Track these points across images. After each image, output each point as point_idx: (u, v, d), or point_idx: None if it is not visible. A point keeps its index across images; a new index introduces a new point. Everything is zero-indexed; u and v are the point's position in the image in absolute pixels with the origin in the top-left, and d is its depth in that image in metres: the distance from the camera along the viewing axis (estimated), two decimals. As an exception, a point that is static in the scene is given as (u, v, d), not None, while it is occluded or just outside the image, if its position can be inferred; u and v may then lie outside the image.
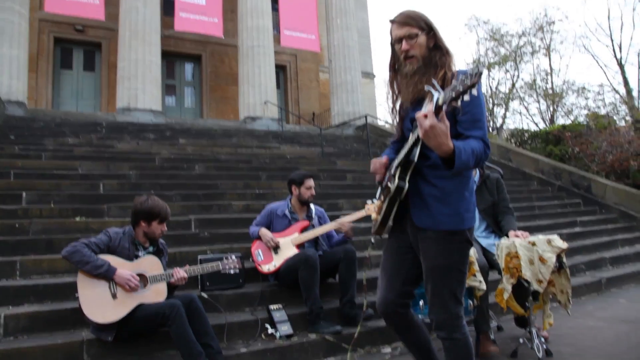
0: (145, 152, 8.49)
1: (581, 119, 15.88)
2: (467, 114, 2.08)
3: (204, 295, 3.82)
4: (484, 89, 19.02)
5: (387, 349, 3.78)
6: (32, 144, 8.15)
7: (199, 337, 3.04)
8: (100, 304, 3.00)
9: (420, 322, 2.44)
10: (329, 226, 4.26)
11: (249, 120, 14.42)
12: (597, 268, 6.50)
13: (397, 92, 2.34)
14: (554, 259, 3.35)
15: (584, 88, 17.32)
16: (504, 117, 18.14)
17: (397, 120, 2.39)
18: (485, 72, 18.37)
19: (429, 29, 2.21)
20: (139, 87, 12.68)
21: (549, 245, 3.41)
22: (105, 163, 7.08)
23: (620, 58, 17.65)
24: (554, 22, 17.38)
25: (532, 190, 10.09)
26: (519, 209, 8.50)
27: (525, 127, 17.52)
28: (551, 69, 18.25)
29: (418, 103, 2.16)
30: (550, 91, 17.64)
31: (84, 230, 4.72)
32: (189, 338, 2.95)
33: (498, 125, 17.87)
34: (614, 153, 10.57)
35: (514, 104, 18.73)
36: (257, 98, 14.65)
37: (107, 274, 3.04)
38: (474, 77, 1.77)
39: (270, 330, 3.67)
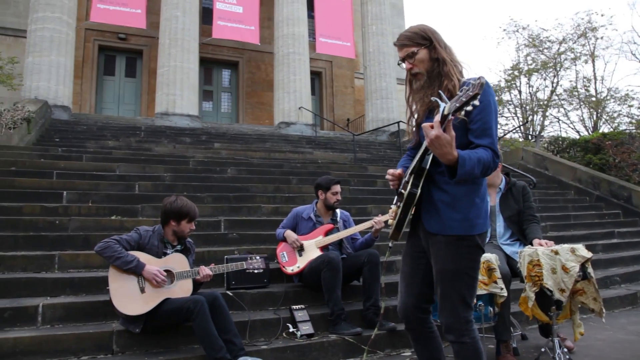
0: (180, 155, 8.75)
1: (623, 127, 15.36)
2: (477, 122, 2.12)
3: (229, 293, 3.94)
4: (523, 96, 18.67)
5: (407, 352, 3.80)
6: (75, 146, 8.54)
7: (221, 332, 3.15)
8: (129, 297, 3.16)
9: (437, 332, 2.47)
10: (353, 229, 4.32)
11: (283, 125, 14.63)
12: (634, 281, 6.30)
13: (411, 105, 2.41)
14: (577, 268, 3.31)
15: (627, 95, 16.71)
16: (542, 124, 17.71)
17: (414, 128, 2.45)
18: (524, 79, 18.04)
19: (430, 42, 2.27)
20: (177, 92, 13.08)
21: (572, 254, 3.37)
22: (141, 165, 7.35)
23: (669, 65, 16.97)
24: (596, 28, 16.87)
25: (568, 199, 9.84)
26: (553, 218, 8.32)
27: (566, 135, 17.11)
28: (595, 75, 17.77)
29: (430, 114, 2.23)
30: (592, 98, 17.13)
31: (118, 228, 4.93)
32: (211, 332, 3.06)
33: (536, 132, 17.46)
34: (657, 163, 10.18)
35: (555, 112, 18.28)
36: (292, 104, 14.86)
37: (136, 269, 3.20)
38: (476, 88, 1.83)
39: (291, 329, 3.75)
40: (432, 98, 2.15)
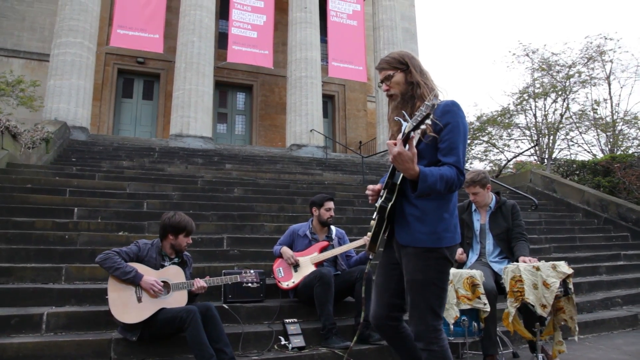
0: (190, 175, 9.01)
1: (632, 150, 15.30)
2: (445, 142, 2.28)
3: (225, 306, 4.10)
4: (531, 119, 18.68)
5: (396, 367, 3.89)
6: (89, 165, 8.87)
7: (213, 342, 3.31)
8: (127, 306, 3.34)
9: (411, 336, 2.59)
10: (347, 246, 4.46)
11: (295, 147, 14.88)
12: (636, 303, 6.28)
13: (390, 124, 2.60)
14: (557, 284, 3.40)
15: (636, 117, 16.65)
16: (551, 147, 17.68)
17: None
18: (532, 102, 18.10)
19: (406, 67, 2.47)
20: (192, 115, 13.46)
21: (553, 270, 3.47)
22: (151, 184, 7.61)
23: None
24: (605, 52, 16.93)
25: (575, 221, 9.83)
26: (559, 240, 8.33)
27: (581, 158, 17.05)
28: (611, 98, 17.76)
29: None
30: (600, 121, 17.11)
31: (125, 244, 5.13)
32: (202, 341, 3.22)
33: (546, 155, 17.44)
34: (666, 186, 10.13)
35: (566, 134, 18.26)
36: (304, 126, 15.14)
37: (134, 280, 3.38)
38: (428, 109, 2.01)
39: (283, 342, 3.88)
40: (395, 118, 2.36)
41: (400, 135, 2.15)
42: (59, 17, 12.96)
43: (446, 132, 2.27)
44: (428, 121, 2.02)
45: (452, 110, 2.30)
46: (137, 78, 17.21)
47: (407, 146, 2.13)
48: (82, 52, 12.72)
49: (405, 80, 2.46)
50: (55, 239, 5.04)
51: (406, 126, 2.12)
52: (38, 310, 3.68)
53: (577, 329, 3.57)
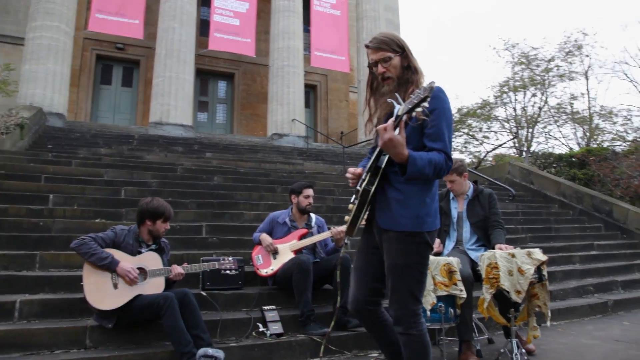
0: (170, 163, 8.91)
1: (607, 144, 15.62)
2: (432, 128, 2.28)
3: (203, 293, 4.08)
4: (510, 112, 18.92)
5: (374, 354, 3.92)
6: (66, 152, 8.70)
7: (190, 329, 3.29)
8: (102, 293, 3.29)
9: (387, 320, 2.60)
10: (325, 234, 4.47)
11: (276, 137, 14.82)
12: (607, 291, 6.44)
13: (373, 108, 2.57)
14: (532, 271, 3.46)
15: (610, 112, 17.01)
16: (529, 140, 17.96)
17: (374, 133, 2.61)
18: (512, 95, 18.33)
19: (402, 50, 2.44)
20: (172, 103, 13.28)
21: (528, 257, 3.53)
22: (129, 171, 7.50)
23: (661, 84, 17.25)
24: (582, 46, 17.21)
25: (551, 212, 10.00)
26: (535, 230, 8.47)
27: (558, 150, 17.33)
28: (588, 93, 18.06)
29: (390, 116, 2.39)
30: (578, 115, 17.43)
31: (102, 231, 5.06)
32: (178, 327, 3.19)
33: (524, 148, 17.70)
34: (639, 179, 10.37)
35: (544, 127, 18.56)
36: (285, 116, 15.06)
37: (110, 266, 3.34)
38: (426, 91, 2.01)
39: (261, 329, 3.88)
40: (388, 100, 2.33)
41: (392, 120, 2.14)
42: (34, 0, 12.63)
43: (433, 117, 2.26)
44: (426, 104, 2.01)
45: (438, 95, 2.30)
46: (116, 64, 16.90)
47: (397, 130, 2.12)
48: (59, 36, 12.43)
49: (401, 64, 2.44)
50: (29, 225, 4.94)
51: (399, 109, 2.11)
52: (10, 298, 3.60)
53: (549, 315, 3.65)
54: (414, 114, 2.09)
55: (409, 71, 2.42)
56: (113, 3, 13.59)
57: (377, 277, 2.49)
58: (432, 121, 2.27)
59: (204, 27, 16.65)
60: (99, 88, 16.48)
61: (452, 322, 3.57)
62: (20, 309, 3.54)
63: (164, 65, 13.51)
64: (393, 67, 2.43)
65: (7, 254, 4.31)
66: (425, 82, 2.38)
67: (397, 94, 2.27)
